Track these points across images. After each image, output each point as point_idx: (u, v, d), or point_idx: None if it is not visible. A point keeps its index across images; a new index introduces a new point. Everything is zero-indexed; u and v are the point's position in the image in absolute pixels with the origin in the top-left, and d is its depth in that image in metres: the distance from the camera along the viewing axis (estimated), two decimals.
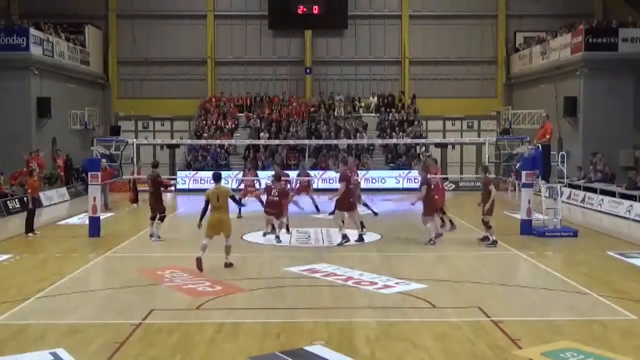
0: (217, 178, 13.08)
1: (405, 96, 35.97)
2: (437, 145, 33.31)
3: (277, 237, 15.78)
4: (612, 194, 23.24)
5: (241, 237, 16.09)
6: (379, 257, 13.98)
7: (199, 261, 12.49)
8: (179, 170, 31.70)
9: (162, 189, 17.16)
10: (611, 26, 28.50)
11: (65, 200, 26.61)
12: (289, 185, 19.28)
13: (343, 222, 15.61)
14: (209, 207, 12.75)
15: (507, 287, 11.58)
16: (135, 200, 24.82)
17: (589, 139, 27.79)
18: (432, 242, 15.47)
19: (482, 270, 12.93)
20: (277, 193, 15.87)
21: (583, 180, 25.99)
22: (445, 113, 35.93)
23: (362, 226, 16.37)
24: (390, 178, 30.98)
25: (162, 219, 16.43)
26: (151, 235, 16.39)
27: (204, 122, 33.91)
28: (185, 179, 30.58)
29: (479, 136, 34.75)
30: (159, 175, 16.86)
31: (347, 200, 15.59)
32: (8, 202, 22.64)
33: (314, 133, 32.93)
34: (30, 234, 17.24)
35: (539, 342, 8.33)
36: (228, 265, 12.87)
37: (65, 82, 30.93)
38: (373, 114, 35.18)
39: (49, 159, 27.79)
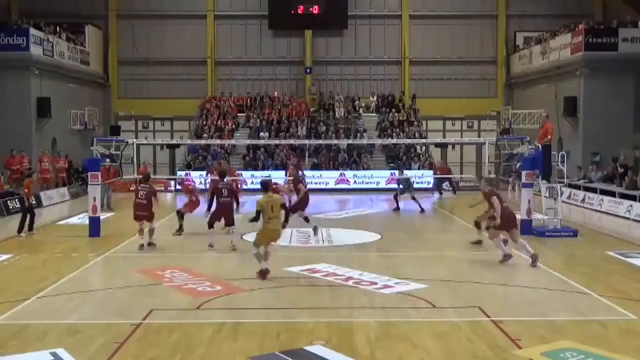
0: (265, 186, 11.97)
1: (406, 96, 35.96)
2: (437, 145, 33.32)
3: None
4: (612, 194, 23.22)
5: (241, 237, 16.05)
6: (379, 257, 13.97)
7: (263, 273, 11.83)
8: (178, 170, 31.69)
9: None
10: (611, 26, 28.51)
11: (65, 200, 26.60)
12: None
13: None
14: (265, 217, 11.51)
15: (507, 287, 11.57)
16: None
17: (589, 139, 27.81)
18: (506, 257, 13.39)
19: (482, 270, 12.91)
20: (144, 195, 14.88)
21: (583, 180, 25.99)
22: (445, 113, 35.92)
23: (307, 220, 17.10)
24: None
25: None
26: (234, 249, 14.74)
27: (204, 122, 33.90)
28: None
29: (479, 136, 34.76)
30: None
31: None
32: (8, 202, 22.63)
33: (314, 133, 32.91)
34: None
35: (539, 342, 8.33)
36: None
37: (65, 82, 30.92)
38: (373, 114, 35.17)
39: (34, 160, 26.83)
